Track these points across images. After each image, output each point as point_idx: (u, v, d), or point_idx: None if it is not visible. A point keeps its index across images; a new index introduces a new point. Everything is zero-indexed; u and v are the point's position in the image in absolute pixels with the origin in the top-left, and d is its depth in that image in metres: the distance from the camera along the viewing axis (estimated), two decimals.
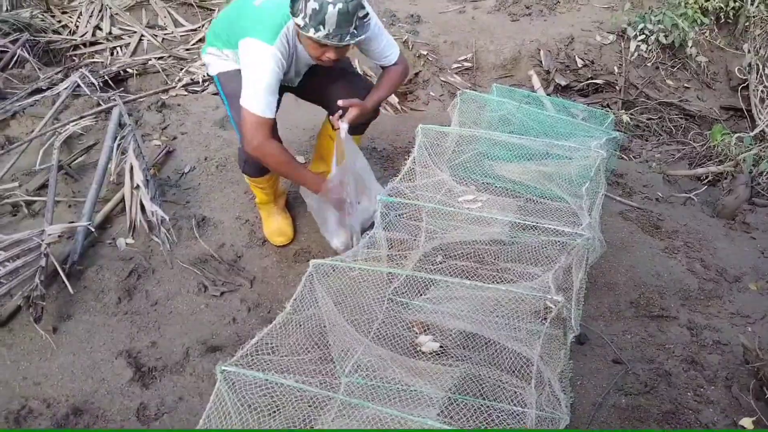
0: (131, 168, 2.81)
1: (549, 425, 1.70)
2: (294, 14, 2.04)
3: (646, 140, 4.31)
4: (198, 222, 2.81)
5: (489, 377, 1.74)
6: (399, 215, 2.16)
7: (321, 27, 1.99)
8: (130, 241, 2.70)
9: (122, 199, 2.86)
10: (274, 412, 1.57)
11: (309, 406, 1.64)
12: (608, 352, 2.10)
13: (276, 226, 2.69)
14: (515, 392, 1.72)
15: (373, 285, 1.95)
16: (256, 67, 2.11)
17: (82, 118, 3.39)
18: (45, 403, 1.98)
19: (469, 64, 4.57)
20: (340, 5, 1.95)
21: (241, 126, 2.21)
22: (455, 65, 4.52)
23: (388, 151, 3.32)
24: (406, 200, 2.14)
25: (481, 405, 1.64)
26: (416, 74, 4.73)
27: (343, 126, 2.29)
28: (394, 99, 4.56)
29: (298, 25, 2.04)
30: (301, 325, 1.69)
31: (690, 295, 2.39)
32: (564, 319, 1.60)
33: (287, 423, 1.60)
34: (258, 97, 2.11)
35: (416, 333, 2.08)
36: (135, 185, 2.77)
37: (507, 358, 1.85)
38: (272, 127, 2.21)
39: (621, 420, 1.81)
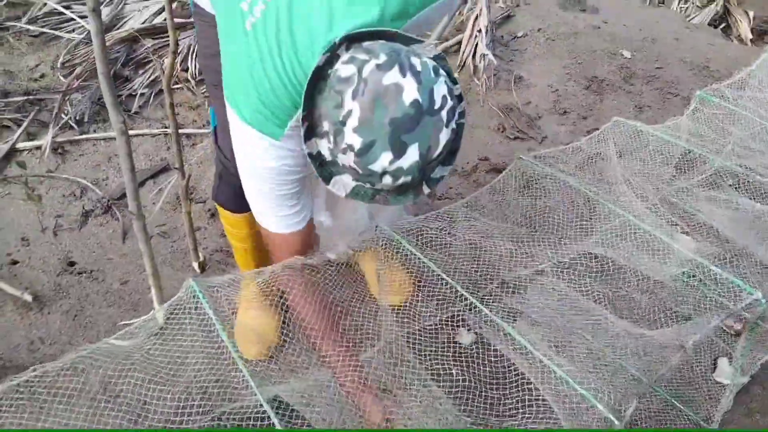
0: (479, 11, 3.23)
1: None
2: (307, 132, 1.05)
3: None
4: (515, 78, 3.17)
5: None
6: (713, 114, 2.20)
7: (363, 186, 1.07)
8: (456, 75, 3.18)
9: (459, 42, 3.34)
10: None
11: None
12: None
13: (250, 326, 1.69)
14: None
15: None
16: (254, 173, 1.26)
17: None
18: None
19: None
20: (404, 178, 1.02)
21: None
22: None
23: (712, 71, 3.24)
24: (723, 103, 2.19)
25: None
26: None
27: None
28: (746, 34, 4.23)
29: (312, 157, 1.06)
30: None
31: None
32: None
33: None
34: (268, 215, 1.32)
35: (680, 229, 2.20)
36: (478, 29, 3.20)
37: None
38: (304, 239, 1.38)
39: None
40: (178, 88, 3.07)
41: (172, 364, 1.29)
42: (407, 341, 1.74)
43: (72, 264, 2.10)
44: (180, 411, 1.28)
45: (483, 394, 1.62)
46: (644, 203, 2.07)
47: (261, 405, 1.16)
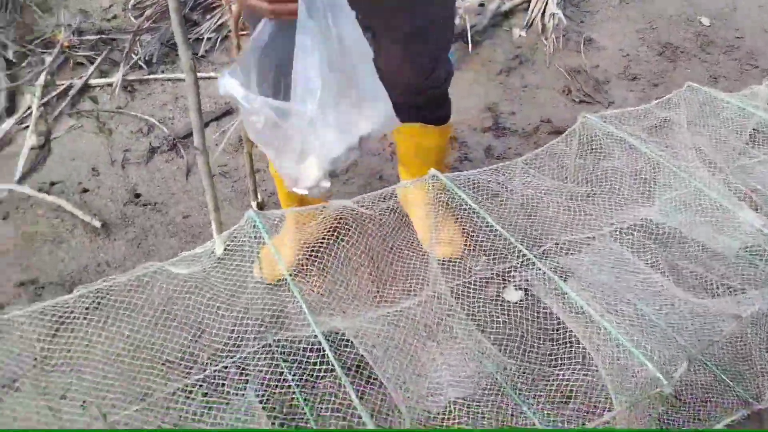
0: None
1: None
2: None
3: None
4: (585, 40, 3.06)
5: None
6: None
7: None
8: (523, 34, 3.10)
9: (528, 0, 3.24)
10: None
11: None
12: None
13: (281, 249, 1.76)
14: None
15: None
16: None
17: None
18: None
19: None
20: None
21: None
22: None
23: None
24: None
25: None
26: None
27: None
28: None
29: None
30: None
31: None
32: None
33: None
34: None
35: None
36: None
37: None
38: None
39: None
40: (245, 34, 3.10)
41: (230, 289, 1.35)
42: (454, 293, 1.75)
43: (138, 196, 2.19)
44: (234, 334, 1.34)
45: (531, 344, 1.62)
46: (712, 173, 2.00)
47: (315, 336, 1.19)
